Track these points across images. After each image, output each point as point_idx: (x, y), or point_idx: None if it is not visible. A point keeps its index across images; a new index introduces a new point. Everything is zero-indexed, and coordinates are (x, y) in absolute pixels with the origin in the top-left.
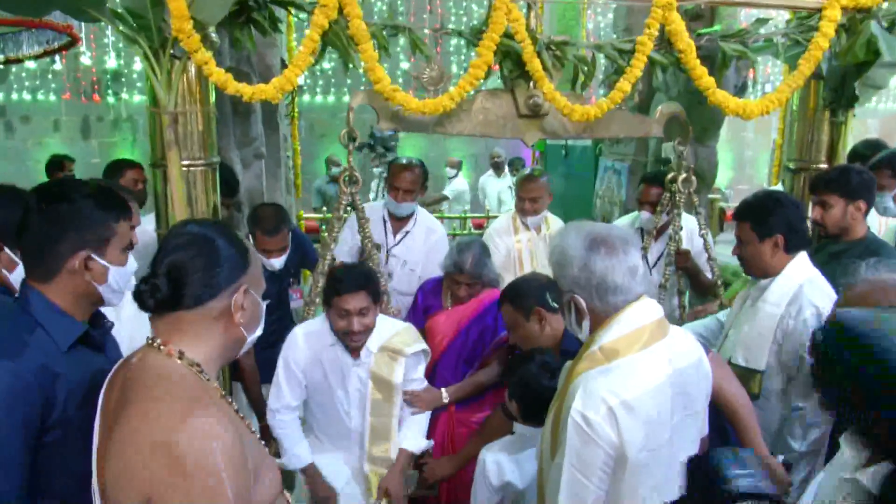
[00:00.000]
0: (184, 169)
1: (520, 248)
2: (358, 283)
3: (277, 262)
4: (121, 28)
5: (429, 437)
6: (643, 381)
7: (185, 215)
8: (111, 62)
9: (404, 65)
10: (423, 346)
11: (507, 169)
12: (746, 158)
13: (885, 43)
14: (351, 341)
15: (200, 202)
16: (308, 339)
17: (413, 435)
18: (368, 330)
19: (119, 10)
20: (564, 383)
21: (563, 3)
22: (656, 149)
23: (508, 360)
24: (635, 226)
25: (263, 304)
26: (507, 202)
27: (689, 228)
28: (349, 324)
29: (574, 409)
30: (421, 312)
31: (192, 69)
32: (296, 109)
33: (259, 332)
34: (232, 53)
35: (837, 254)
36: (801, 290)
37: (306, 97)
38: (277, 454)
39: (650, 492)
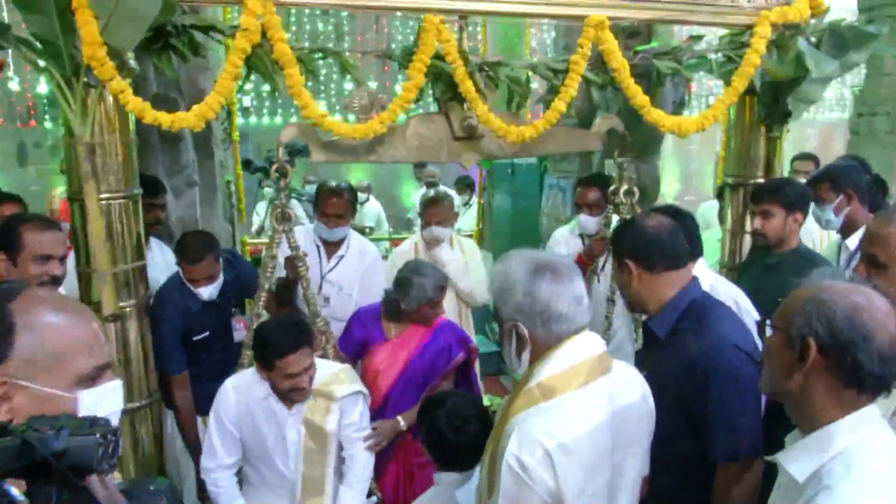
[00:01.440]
0: (103, 202)
1: None
2: (297, 340)
3: (205, 292)
4: (28, 56)
5: (383, 468)
6: (581, 421)
7: (104, 250)
8: (42, 87)
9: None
10: (359, 387)
11: (450, 190)
12: (693, 170)
13: (812, 59)
14: (300, 397)
15: (122, 236)
16: (238, 393)
17: (352, 493)
18: (312, 379)
19: (26, 37)
20: (499, 421)
21: (498, 21)
22: (600, 165)
23: (423, 408)
24: (576, 232)
25: (72, 395)
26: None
27: None
28: (297, 382)
29: (509, 452)
30: (359, 344)
31: (110, 97)
32: (236, 132)
33: None
34: (159, 79)
35: (773, 265)
36: (712, 288)
37: (253, 119)
38: None
39: None
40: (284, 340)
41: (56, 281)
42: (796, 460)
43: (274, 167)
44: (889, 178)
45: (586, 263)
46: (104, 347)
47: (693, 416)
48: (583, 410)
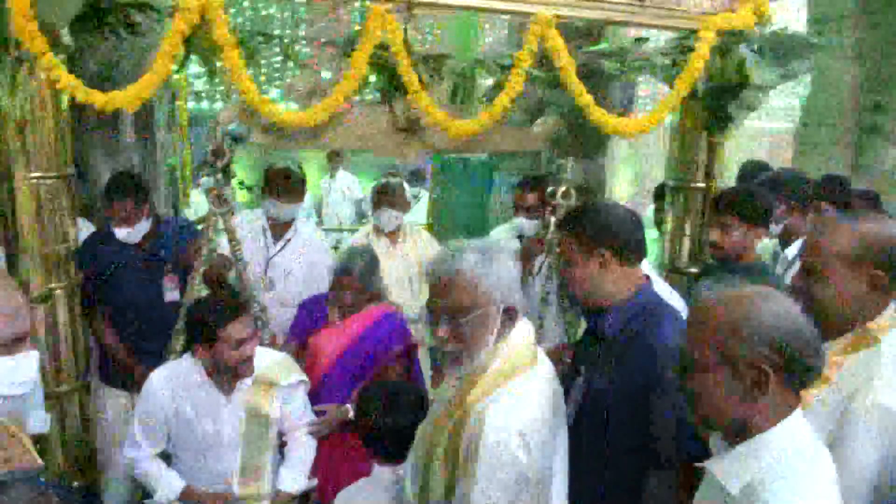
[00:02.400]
0: (33, 181)
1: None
2: (237, 307)
3: (120, 232)
4: None
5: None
6: (537, 401)
7: (33, 232)
8: None
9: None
10: (301, 377)
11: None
12: (646, 172)
13: (754, 66)
14: (248, 371)
15: (52, 217)
16: (169, 383)
17: (293, 475)
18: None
19: None
20: (452, 410)
21: (449, 15)
22: (549, 162)
23: (359, 393)
24: (513, 233)
25: None
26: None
27: None
28: (243, 351)
29: (492, 436)
30: (304, 331)
31: (43, 74)
32: (184, 115)
33: None
34: (98, 58)
35: (729, 277)
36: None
37: (205, 104)
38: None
39: None
40: (224, 309)
41: None
42: (729, 470)
43: (210, 149)
44: None
45: (524, 265)
46: (25, 320)
47: (636, 417)
48: (536, 391)
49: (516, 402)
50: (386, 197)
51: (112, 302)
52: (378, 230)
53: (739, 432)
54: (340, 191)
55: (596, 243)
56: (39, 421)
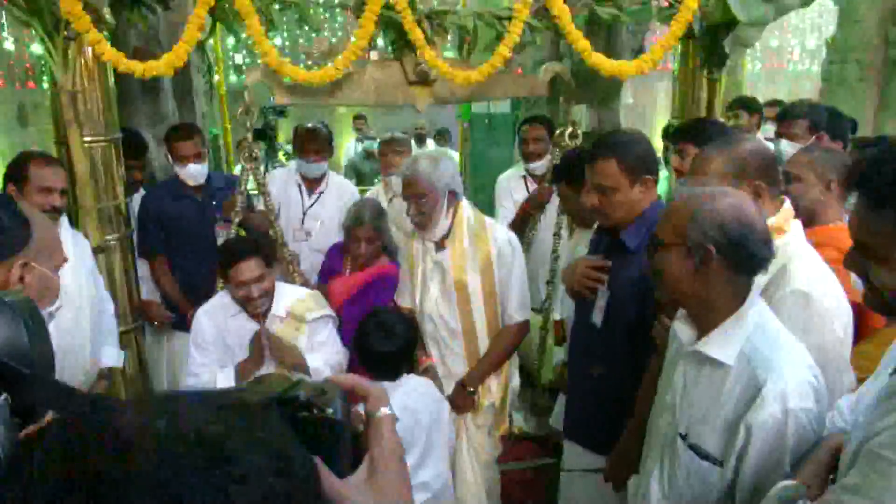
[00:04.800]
0: (86, 145)
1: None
2: (247, 250)
3: (193, 169)
4: (14, 12)
5: None
6: None
7: (88, 189)
8: (37, 47)
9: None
10: (327, 311)
11: (430, 140)
12: (658, 121)
13: (738, 4)
14: (252, 308)
15: (104, 176)
16: (211, 316)
17: (322, 358)
18: (268, 293)
19: None
20: None
21: None
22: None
23: (359, 322)
24: (520, 173)
25: (56, 277)
26: None
27: None
28: (248, 292)
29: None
30: (325, 273)
31: (89, 49)
32: (223, 87)
33: (56, 305)
34: (140, 33)
35: None
36: None
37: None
38: None
39: None
40: (235, 249)
41: (56, 210)
42: (720, 347)
43: (241, 109)
44: (861, 124)
45: (530, 212)
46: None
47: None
48: None
49: None
50: (389, 147)
51: (172, 248)
52: (387, 185)
53: (700, 309)
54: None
55: (641, 169)
56: (113, 355)
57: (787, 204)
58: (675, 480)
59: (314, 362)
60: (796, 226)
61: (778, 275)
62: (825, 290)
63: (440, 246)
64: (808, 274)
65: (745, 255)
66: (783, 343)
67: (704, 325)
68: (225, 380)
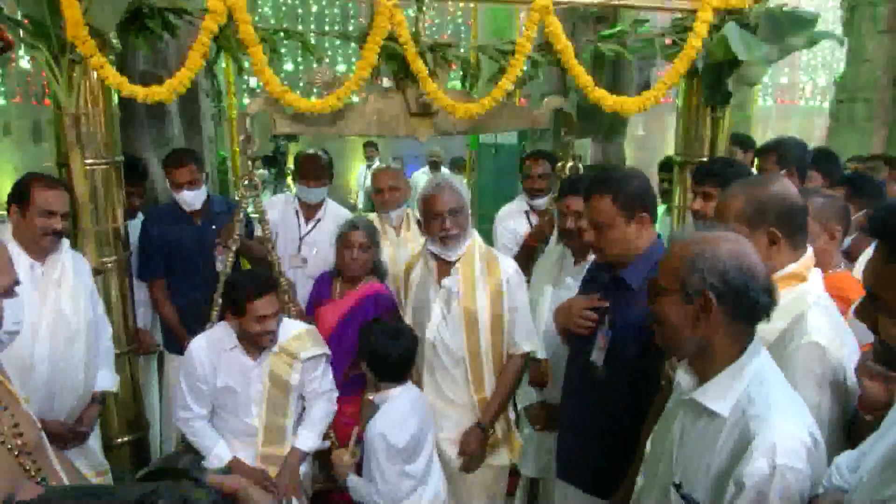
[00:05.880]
0: (87, 167)
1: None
2: (267, 285)
3: (188, 195)
4: (21, 34)
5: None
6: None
7: (87, 211)
8: None
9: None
10: (322, 349)
11: (444, 168)
12: (662, 154)
13: (743, 43)
14: (268, 342)
15: (104, 199)
16: (206, 347)
17: (307, 434)
18: (278, 326)
19: (18, 18)
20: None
21: (487, 6)
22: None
23: (361, 331)
24: (522, 208)
25: None
26: None
27: None
28: (265, 325)
29: None
30: (312, 303)
31: (94, 73)
32: (233, 112)
33: (9, 328)
34: (147, 57)
35: None
36: None
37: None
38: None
39: None
40: (254, 286)
41: (57, 234)
42: (716, 398)
43: (241, 137)
44: None
45: (534, 245)
46: (11, 272)
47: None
48: None
49: None
50: (383, 182)
51: (170, 271)
52: (381, 218)
53: (698, 357)
54: None
55: (636, 206)
56: (108, 379)
57: (810, 251)
58: None
59: (300, 443)
60: (816, 274)
61: (794, 323)
62: (840, 343)
63: (447, 272)
64: (825, 326)
65: (747, 302)
66: (782, 397)
67: (703, 373)
68: (218, 459)
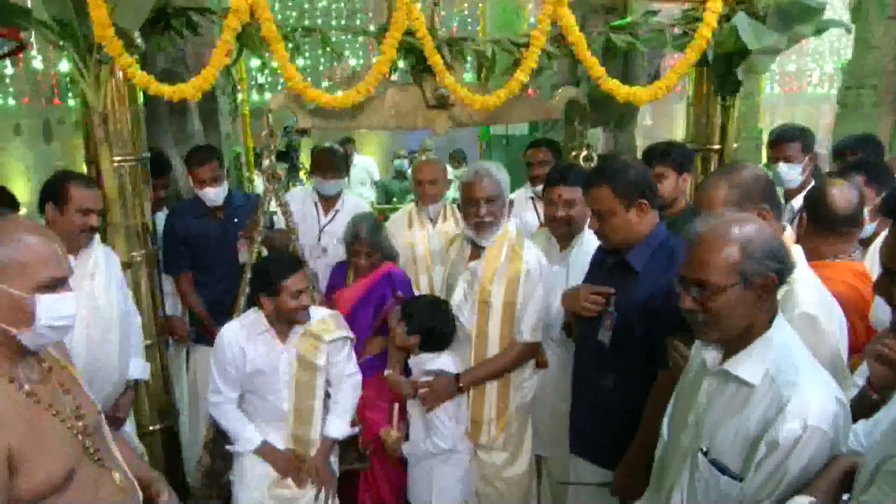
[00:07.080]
0: (115, 164)
1: (412, 243)
2: (294, 263)
3: (211, 192)
4: (49, 36)
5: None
6: None
7: (116, 206)
8: (64, 65)
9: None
10: (346, 332)
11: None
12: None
13: (752, 32)
14: (305, 318)
15: (131, 194)
16: (237, 333)
17: (337, 422)
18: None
19: (44, 19)
20: None
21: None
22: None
23: (403, 303)
24: (529, 194)
25: (35, 298)
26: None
27: None
28: (301, 300)
29: None
30: (327, 290)
31: (120, 72)
32: (246, 108)
33: (36, 330)
34: (168, 56)
35: (670, 224)
36: None
37: (268, 95)
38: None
39: None
40: (285, 264)
41: (93, 230)
42: (748, 367)
43: (263, 132)
44: None
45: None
46: (63, 264)
47: (654, 328)
48: None
49: None
50: (424, 176)
51: (196, 266)
52: (419, 209)
53: (740, 334)
54: (364, 170)
55: (635, 193)
56: (139, 367)
57: (789, 230)
58: (695, 494)
59: (330, 430)
60: (797, 251)
61: (784, 297)
62: (828, 313)
63: (477, 256)
64: (812, 297)
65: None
66: (808, 365)
67: (733, 347)
68: (249, 443)
